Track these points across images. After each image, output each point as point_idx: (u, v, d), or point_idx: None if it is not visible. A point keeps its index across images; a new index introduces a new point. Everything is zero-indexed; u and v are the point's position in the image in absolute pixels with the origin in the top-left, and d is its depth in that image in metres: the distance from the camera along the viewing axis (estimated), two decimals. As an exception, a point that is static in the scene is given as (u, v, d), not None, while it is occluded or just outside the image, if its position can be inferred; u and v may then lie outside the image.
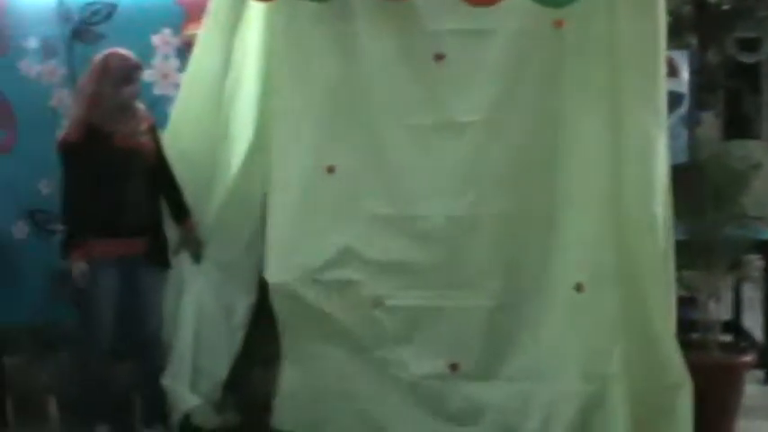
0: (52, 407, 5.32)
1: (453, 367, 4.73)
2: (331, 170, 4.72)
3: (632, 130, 4.47)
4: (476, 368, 4.72)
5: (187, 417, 4.93)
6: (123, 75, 4.80)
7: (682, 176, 5.05)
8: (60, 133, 4.89)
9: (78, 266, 4.79)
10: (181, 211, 5.07)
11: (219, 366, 5.04)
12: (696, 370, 4.51)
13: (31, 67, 5.40)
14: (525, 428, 4.63)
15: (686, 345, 4.86)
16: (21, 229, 5.44)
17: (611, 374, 4.50)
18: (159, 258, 5.02)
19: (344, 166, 4.73)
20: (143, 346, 5.04)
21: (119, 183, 4.83)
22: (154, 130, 4.99)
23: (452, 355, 4.73)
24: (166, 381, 4.96)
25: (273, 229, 4.76)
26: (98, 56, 4.88)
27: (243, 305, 5.11)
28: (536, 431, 4.61)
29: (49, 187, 5.31)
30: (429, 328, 4.75)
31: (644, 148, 4.46)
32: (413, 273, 4.76)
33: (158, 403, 5.02)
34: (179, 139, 5.05)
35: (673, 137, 5.32)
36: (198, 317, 5.02)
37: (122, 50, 4.89)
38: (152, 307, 5.03)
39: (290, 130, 4.72)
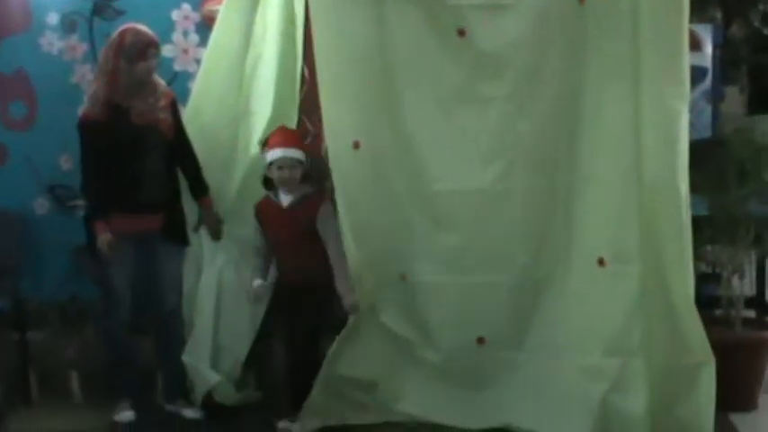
0: (75, 383, 5.39)
1: (480, 341, 4.79)
2: (357, 146, 4.73)
3: (655, 105, 4.46)
4: (501, 341, 4.78)
5: (209, 394, 5.02)
6: (138, 51, 4.80)
7: (705, 151, 5.06)
8: (82, 110, 4.93)
9: (104, 238, 4.82)
10: (199, 188, 5.09)
11: (240, 343, 5.08)
12: (719, 346, 4.53)
13: (52, 44, 5.46)
14: (549, 400, 4.69)
15: (709, 321, 4.83)
16: (41, 205, 5.51)
17: (632, 350, 4.51)
18: (177, 234, 5.06)
19: (369, 142, 4.74)
20: (163, 321, 5.10)
21: (135, 158, 4.85)
22: (174, 106, 5.01)
23: (479, 328, 4.79)
24: (187, 358, 5.02)
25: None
26: (114, 32, 4.90)
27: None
28: (559, 403, 4.66)
29: (69, 162, 5.37)
30: (455, 302, 4.80)
31: (667, 123, 4.45)
32: (438, 247, 4.79)
33: (179, 379, 5.09)
34: (200, 116, 5.09)
35: (696, 112, 5.46)
36: (218, 294, 5.08)
37: (138, 26, 4.90)
38: (171, 283, 5.08)
39: (325, 106, 4.74)
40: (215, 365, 5.04)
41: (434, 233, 4.80)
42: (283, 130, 4.82)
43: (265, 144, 4.77)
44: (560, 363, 4.69)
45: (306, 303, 4.68)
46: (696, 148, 4.73)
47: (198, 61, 5.28)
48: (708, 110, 5.67)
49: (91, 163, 4.85)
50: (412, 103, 4.78)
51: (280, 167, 4.71)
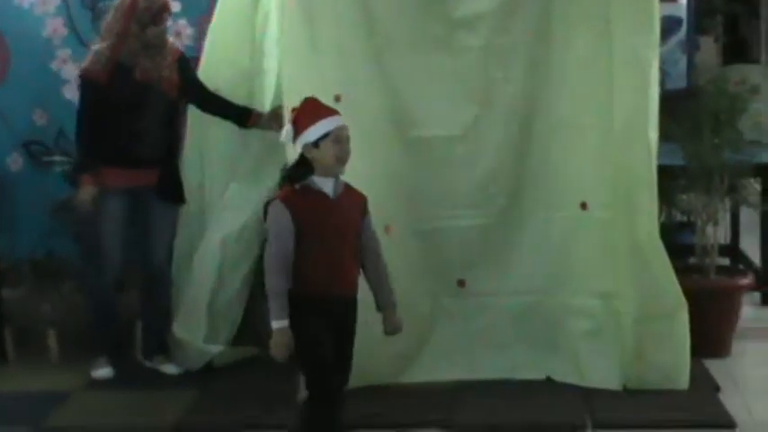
0: (52, 340, 5.49)
1: (461, 283, 5.00)
2: (338, 99, 4.79)
3: (625, 54, 4.63)
4: (482, 283, 4.98)
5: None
6: (151, 15, 4.94)
7: (680, 101, 5.26)
8: (84, 64, 5.01)
9: (87, 191, 4.95)
10: (241, 114, 5.15)
11: (237, 307, 5.23)
12: (694, 294, 4.74)
13: (23, -3, 5.56)
14: (530, 340, 4.93)
15: (684, 269, 5.14)
16: (16, 161, 5.66)
17: (611, 293, 4.76)
18: (172, 192, 5.17)
19: (350, 94, 4.82)
20: (150, 277, 5.23)
21: (134, 115, 4.98)
22: (182, 62, 5.12)
23: (459, 271, 4.98)
24: (179, 331, 5.13)
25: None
26: None
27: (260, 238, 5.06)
28: (538, 343, 4.92)
29: (43, 118, 5.52)
30: (437, 247, 4.96)
31: (637, 72, 4.62)
32: (419, 195, 4.94)
33: (161, 334, 5.22)
34: (213, 79, 5.19)
35: (671, 62, 5.72)
36: (222, 260, 5.14)
37: None
38: (161, 239, 5.19)
39: (300, 61, 4.78)
40: (212, 335, 5.15)
41: (415, 181, 4.94)
42: (316, 99, 3.92)
43: (296, 122, 3.82)
44: (541, 303, 4.92)
45: (351, 325, 3.88)
46: (671, 98, 4.98)
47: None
48: (683, 60, 5.83)
49: (87, 117, 4.98)
50: (390, 53, 4.90)
51: (337, 140, 3.74)
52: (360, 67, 4.87)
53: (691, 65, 5.86)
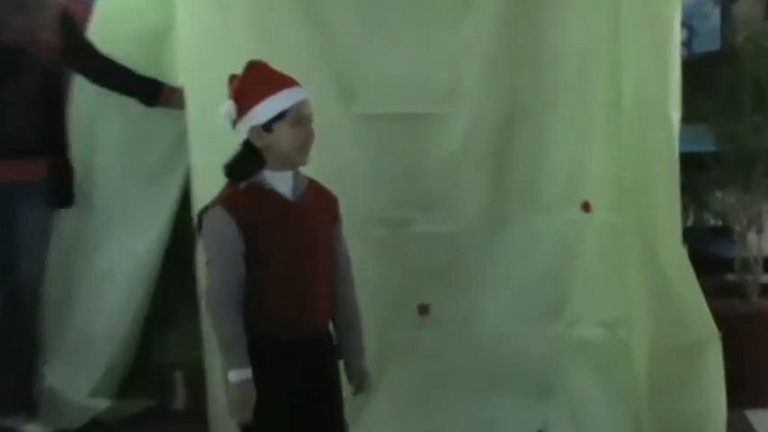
0: None
1: (423, 310, 4.59)
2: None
3: (637, 9, 4.26)
4: (450, 309, 4.59)
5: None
6: None
7: (712, 68, 4.96)
8: None
9: None
10: (148, 89, 4.76)
11: (132, 350, 4.95)
12: (731, 321, 4.31)
13: None
14: (514, 383, 4.56)
15: (718, 289, 4.79)
16: None
17: (621, 320, 4.44)
18: (53, 190, 4.74)
19: (272, 61, 4.05)
20: (11, 301, 4.71)
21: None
22: (66, 20, 4.74)
23: (420, 294, 4.59)
24: (54, 381, 4.75)
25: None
26: None
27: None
28: (526, 387, 4.55)
29: None
30: (390, 263, 4.54)
31: (654, 33, 4.24)
32: (369, 190, 4.51)
33: (24, 383, 4.71)
34: (109, 42, 4.80)
35: (700, 17, 5.43)
36: (121, 298, 4.81)
37: None
38: (30, 251, 4.72)
39: (202, 21, 4.41)
40: (101, 384, 4.81)
41: (363, 172, 4.51)
42: (265, 64, 3.37)
43: (239, 97, 3.28)
44: (530, 334, 4.57)
45: (332, 374, 3.36)
46: (699, 65, 4.75)
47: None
48: (715, 13, 5.50)
49: None
50: (326, 6, 4.50)
51: (298, 120, 3.21)
52: (284, 26, 4.45)
53: (726, 20, 5.49)
